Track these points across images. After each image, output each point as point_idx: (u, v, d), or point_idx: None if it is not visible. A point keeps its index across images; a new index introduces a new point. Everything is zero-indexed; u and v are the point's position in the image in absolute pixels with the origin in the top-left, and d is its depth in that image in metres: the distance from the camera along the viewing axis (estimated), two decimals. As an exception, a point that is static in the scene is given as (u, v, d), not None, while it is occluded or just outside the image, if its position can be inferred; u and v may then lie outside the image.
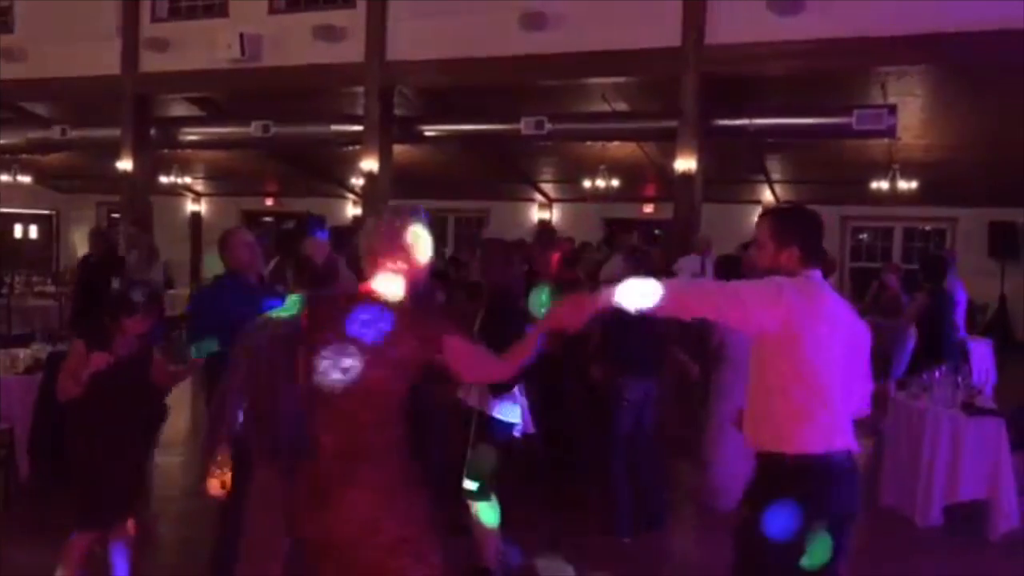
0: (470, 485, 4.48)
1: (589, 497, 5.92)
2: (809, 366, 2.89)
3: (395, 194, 12.46)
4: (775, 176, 15.12)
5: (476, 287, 4.96)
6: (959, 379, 6.04)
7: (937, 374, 6.10)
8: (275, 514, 2.93)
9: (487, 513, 4.50)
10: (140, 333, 3.99)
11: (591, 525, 5.53)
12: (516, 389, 4.45)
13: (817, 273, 3.05)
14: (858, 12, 9.28)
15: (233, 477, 2.93)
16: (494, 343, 3.20)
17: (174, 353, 5.40)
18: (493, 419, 4.43)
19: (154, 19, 13.22)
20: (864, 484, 6.89)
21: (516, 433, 4.53)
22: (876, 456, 7.09)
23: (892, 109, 10.34)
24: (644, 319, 5.52)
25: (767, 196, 15.96)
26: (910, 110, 11.21)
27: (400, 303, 2.64)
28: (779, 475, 2.93)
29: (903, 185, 13.26)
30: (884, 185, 13.37)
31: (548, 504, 5.95)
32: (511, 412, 4.46)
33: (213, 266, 5.90)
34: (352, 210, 17.96)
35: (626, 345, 5.29)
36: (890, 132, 10.51)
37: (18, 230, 18.91)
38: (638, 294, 2.72)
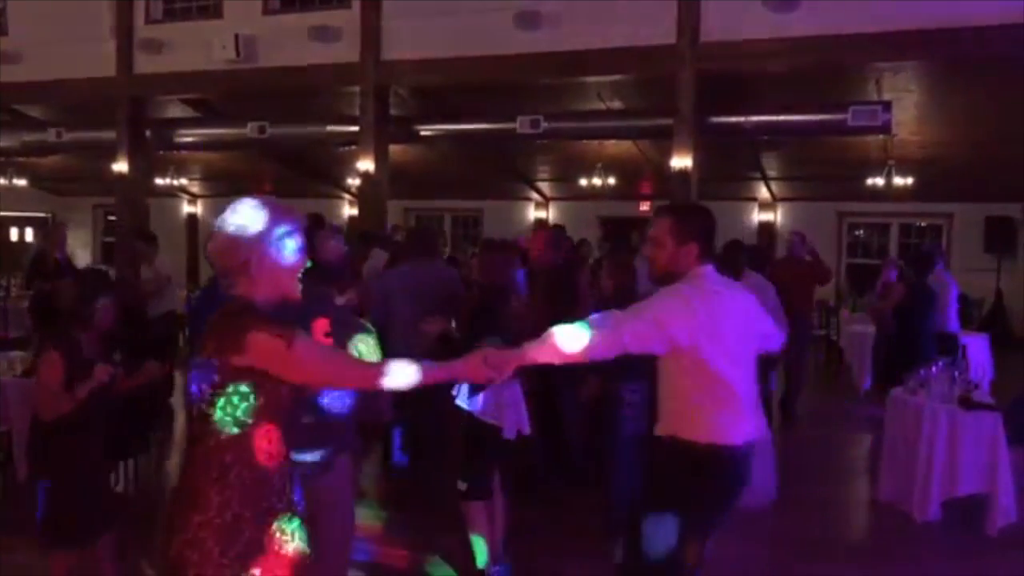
0: (461, 486, 4.50)
1: (584, 500, 5.91)
2: (713, 364, 3.06)
3: (392, 194, 12.47)
4: (771, 173, 15.14)
5: (482, 287, 4.96)
6: (956, 374, 6.06)
7: (934, 369, 6.11)
8: None
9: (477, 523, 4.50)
10: (102, 336, 3.95)
11: (591, 527, 5.51)
12: (504, 388, 4.43)
13: (710, 268, 3.19)
14: (852, 8, 9.28)
15: None
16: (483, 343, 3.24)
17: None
18: (481, 420, 4.44)
19: (148, 21, 13.17)
20: (863, 478, 6.95)
21: (507, 434, 4.51)
22: (874, 451, 7.12)
23: (887, 105, 10.35)
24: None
25: (763, 193, 16.00)
26: (905, 106, 11.23)
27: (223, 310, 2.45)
28: (686, 463, 3.08)
29: (899, 181, 13.28)
30: (880, 181, 13.39)
31: (547, 508, 5.95)
32: (496, 413, 4.45)
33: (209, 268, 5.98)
34: (349, 210, 17.97)
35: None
36: (885, 128, 10.52)
37: (14, 233, 18.86)
38: (558, 347, 2.82)
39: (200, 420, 2.37)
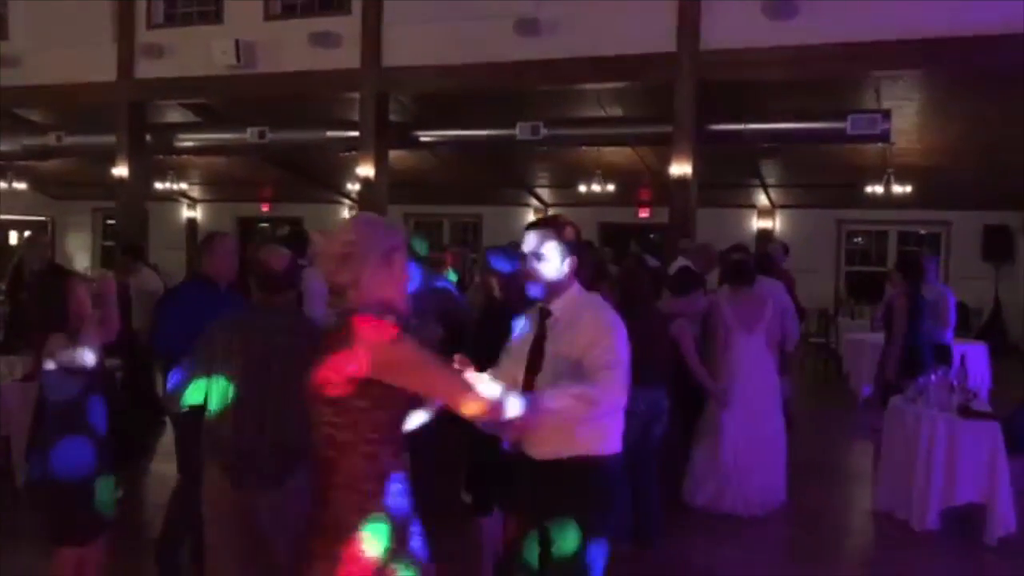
0: (465, 497, 4.47)
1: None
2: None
3: (391, 199, 12.49)
4: (770, 180, 15.18)
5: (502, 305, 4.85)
6: (954, 383, 6.06)
7: (932, 377, 6.12)
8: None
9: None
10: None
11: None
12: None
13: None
14: (852, 17, 9.32)
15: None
16: (486, 351, 3.23)
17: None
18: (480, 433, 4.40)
19: (150, 26, 13.21)
20: (861, 486, 6.95)
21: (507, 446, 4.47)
22: (872, 459, 7.12)
23: (886, 114, 10.38)
24: (649, 322, 5.45)
25: (762, 200, 16.04)
26: (905, 114, 11.26)
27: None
28: (601, 478, 3.06)
29: (898, 189, 13.31)
30: (879, 189, 13.42)
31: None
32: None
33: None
34: (347, 215, 17.97)
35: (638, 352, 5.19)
36: (884, 137, 10.54)
37: (13, 237, 18.88)
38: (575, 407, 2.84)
39: (327, 444, 2.38)
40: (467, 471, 4.55)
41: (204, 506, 3.57)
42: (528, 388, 2.98)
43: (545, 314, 3.12)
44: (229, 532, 3.51)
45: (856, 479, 7.41)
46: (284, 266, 3.61)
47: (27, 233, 10.90)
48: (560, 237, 3.08)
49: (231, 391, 3.42)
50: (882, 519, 6.12)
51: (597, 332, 3.01)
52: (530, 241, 3.10)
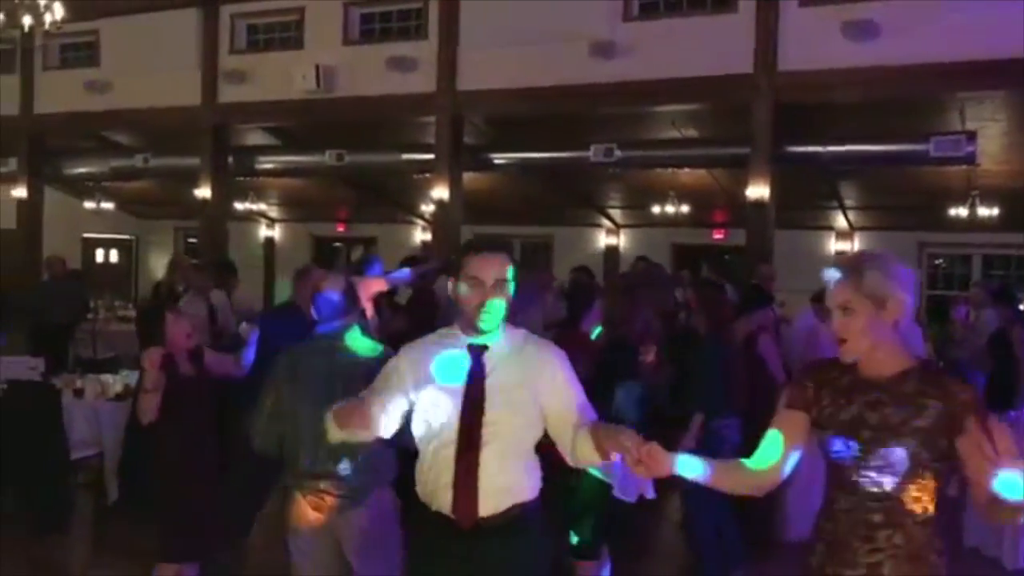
0: (572, 539, 4.41)
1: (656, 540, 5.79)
2: None
3: (464, 220, 12.60)
4: (848, 202, 14.88)
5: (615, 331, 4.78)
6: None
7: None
8: None
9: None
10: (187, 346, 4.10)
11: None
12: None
13: None
14: (935, 37, 9.11)
15: None
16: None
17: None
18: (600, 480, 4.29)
19: (232, 51, 13.61)
20: (948, 523, 6.75)
21: (624, 497, 4.35)
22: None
23: (971, 136, 10.11)
24: (733, 349, 5.35)
25: (840, 222, 15.72)
26: (990, 135, 10.95)
27: None
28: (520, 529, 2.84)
29: (983, 211, 12.94)
30: (963, 212, 13.06)
31: (630, 554, 5.87)
32: (607, 472, 4.25)
33: (284, 291, 6.17)
34: (421, 236, 18.17)
35: (714, 379, 5.15)
36: (969, 159, 10.27)
37: (100, 255, 19.53)
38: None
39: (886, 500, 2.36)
40: (575, 515, 4.45)
41: (289, 532, 3.64)
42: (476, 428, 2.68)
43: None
44: (313, 555, 3.57)
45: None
46: (342, 291, 3.75)
47: (170, 257, 11.15)
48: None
49: (300, 415, 3.50)
50: (971, 556, 5.94)
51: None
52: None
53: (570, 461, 2.74)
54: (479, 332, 2.70)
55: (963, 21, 8.97)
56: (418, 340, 2.85)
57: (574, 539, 4.39)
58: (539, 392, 2.73)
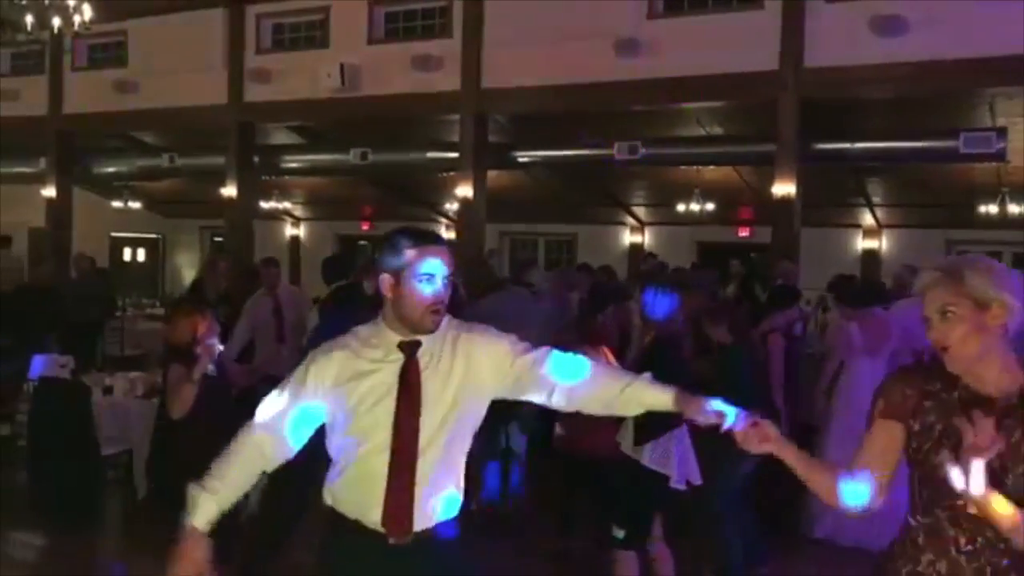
0: (618, 533, 4.41)
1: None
2: None
3: (488, 218, 12.60)
4: (876, 199, 14.75)
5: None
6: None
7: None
8: None
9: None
10: (212, 341, 4.14)
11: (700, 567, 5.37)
12: (673, 437, 4.32)
13: None
14: (964, 32, 8.99)
15: None
16: None
17: None
18: (646, 469, 4.33)
19: (258, 51, 13.67)
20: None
21: (677, 485, 4.39)
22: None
23: (1001, 132, 9.98)
24: (754, 350, 5.37)
25: (868, 220, 15.59)
26: (1021, 131, 10.79)
27: None
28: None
29: (1013, 209, 12.79)
30: (993, 209, 12.91)
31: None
32: (664, 463, 4.33)
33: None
34: (446, 234, 18.20)
35: (741, 388, 5.14)
36: (999, 156, 10.14)
37: (127, 253, 19.71)
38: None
39: None
40: (627, 507, 4.45)
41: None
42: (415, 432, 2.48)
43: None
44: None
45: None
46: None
47: (208, 257, 11.25)
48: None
49: None
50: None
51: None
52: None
53: (558, 403, 2.57)
54: (425, 333, 2.49)
55: (992, 15, 8.84)
56: (331, 344, 2.57)
57: (619, 533, 4.38)
58: (483, 374, 2.53)
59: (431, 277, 2.43)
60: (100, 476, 6.46)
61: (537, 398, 2.59)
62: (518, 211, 16.30)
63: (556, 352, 2.59)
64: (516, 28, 11.37)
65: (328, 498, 2.58)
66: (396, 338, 2.50)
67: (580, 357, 2.59)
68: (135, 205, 18.56)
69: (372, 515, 2.46)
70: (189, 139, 15.11)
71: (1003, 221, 13.07)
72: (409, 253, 2.44)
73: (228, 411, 4.22)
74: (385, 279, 2.47)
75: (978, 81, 9.42)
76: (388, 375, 2.47)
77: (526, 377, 2.54)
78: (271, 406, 2.55)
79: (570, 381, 2.53)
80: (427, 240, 2.49)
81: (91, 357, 9.44)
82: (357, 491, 2.50)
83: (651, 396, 2.49)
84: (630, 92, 10.86)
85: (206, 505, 2.49)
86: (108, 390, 6.64)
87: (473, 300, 7.47)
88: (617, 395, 2.51)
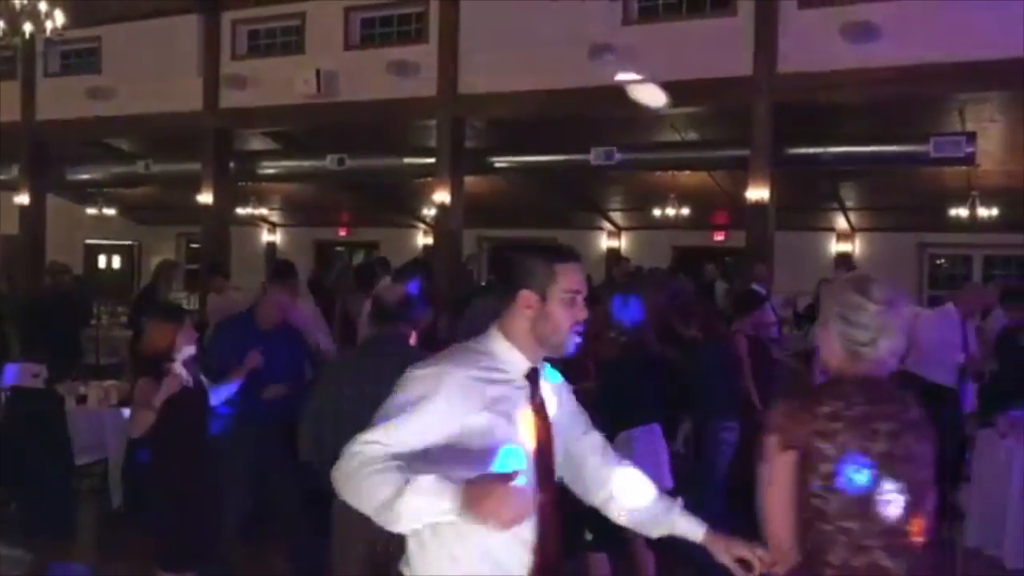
0: (587, 535, 4.41)
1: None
2: None
3: (465, 224, 12.62)
4: (849, 203, 14.89)
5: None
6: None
7: (1024, 410, 5.94)
8: None
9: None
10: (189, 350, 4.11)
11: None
12: (647, 437, 4.34)
13: None
14: (935, 39, 9.13)
15: None
16: None
17: None
18: None
19: (234, 57, 13.63)
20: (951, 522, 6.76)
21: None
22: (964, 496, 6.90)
23: (971, 136, 10.14)
24: (728, 350, 5.42)
25: (841, 223, 15.73)
26: (990, 136, 10.96)
27: None
28: None
29: (983, 212, 12.95)
30: (963, 212, 13.07)
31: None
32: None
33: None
34: (423, 240, 18.20)
35: (714, 384, 5.19)
36: (968, 160, 10.29)
37: (102, 261, 19.56)
38: None
39: None
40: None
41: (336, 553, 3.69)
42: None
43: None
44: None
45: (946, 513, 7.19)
46: (395, 300, 3.79)
47: (161, 260, 11.16)
48: None
49: (345, 426, 3.52)
50: (972, 556, 5.94)
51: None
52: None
53: (594, 499, 2.53)
54: (561, 355, 2.30)
55: (963, 22, 8.99)
56: (449, 369, 2.20)
57: (588, 536, 4.41)
58: (561, 422, 2.37)
59: (576, 295, 2.27)
60: (74, 485, 6.40)
61: (574, 484, 2.49)
62: (495, 216, 16.33)
63: (615, 452, 2.54)
64: (492, 34, 11.41)
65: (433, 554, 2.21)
66: (524, 361, 2.27)
67: (631, 467, 2.54)
68: (110, 212, 18.43)
69: (512, 563, 2.18)
70: (164, 145, 15.03)
71: (973, 224, 13.23)
72: (556, 268, 2.26)
73: (202, 422, 4.19)
74: (528, 296, 2.25)
75: (948, 87, 9.57)
76: (519, 401, 2.24)
77: (582, 458, 2.47)
78: (399, 433, 2.13)
79: (621, 487, 2.49)
80: (572, 257, 2.32)
81: (69, 366, 9.32)
82: (490, 557, 2.16)
83: (682, 527, 2.47)
84: (605, 97, 10.91)
85: (424, 480, 1.98)
86: (82, 399, 6.59)
87: (455, 305, 7.41)
88: (651, 519, 2.51)
